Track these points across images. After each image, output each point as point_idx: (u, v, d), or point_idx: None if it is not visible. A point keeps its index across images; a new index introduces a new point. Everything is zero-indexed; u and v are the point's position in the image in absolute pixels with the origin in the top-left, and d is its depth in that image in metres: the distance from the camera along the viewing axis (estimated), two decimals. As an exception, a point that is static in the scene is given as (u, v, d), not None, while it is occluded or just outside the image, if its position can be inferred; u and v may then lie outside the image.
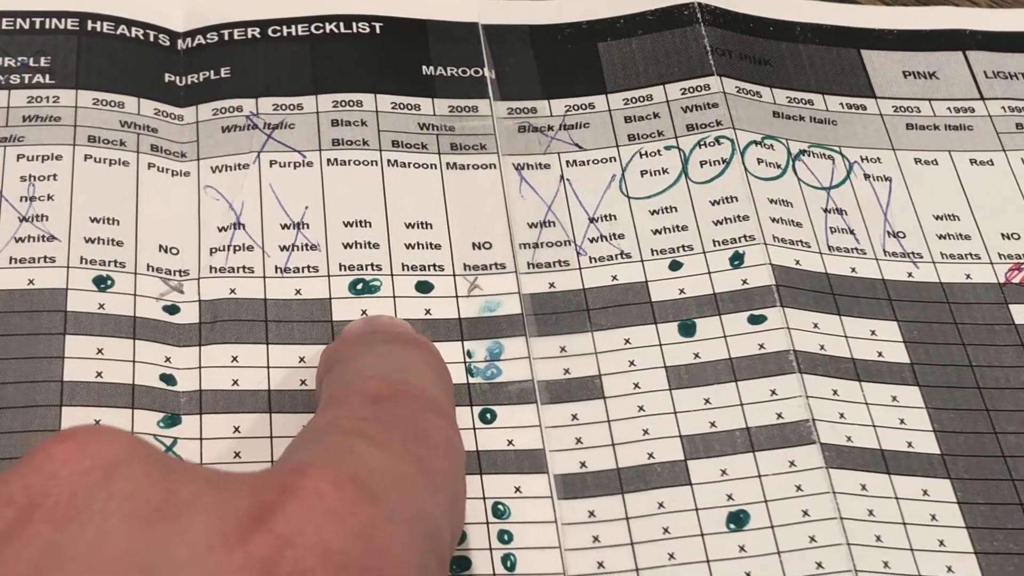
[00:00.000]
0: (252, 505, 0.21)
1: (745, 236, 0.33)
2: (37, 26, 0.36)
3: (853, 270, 0.33)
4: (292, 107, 0.35)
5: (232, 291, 0.31)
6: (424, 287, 0.32)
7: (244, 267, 0.32)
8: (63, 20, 0.36)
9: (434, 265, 0.32)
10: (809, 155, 0.36)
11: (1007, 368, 0.32)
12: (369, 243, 0.32)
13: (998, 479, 0.30)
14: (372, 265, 0.32)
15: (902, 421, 0.31)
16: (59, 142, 0.33)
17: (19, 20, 0.36)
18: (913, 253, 0.34)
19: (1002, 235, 0.35)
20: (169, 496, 0.21)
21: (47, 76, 0.35)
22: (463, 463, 0.27)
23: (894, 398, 0.31)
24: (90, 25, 0.36)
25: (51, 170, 0.33)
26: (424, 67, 0.36)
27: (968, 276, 0.34)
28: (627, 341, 0.31)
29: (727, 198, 0.34)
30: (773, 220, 0.34)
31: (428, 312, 0.31)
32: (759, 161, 0.35)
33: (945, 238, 0.35)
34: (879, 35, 0.39)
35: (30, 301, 0.30)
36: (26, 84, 0.34)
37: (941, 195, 0.36)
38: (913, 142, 0.37)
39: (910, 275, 0.34)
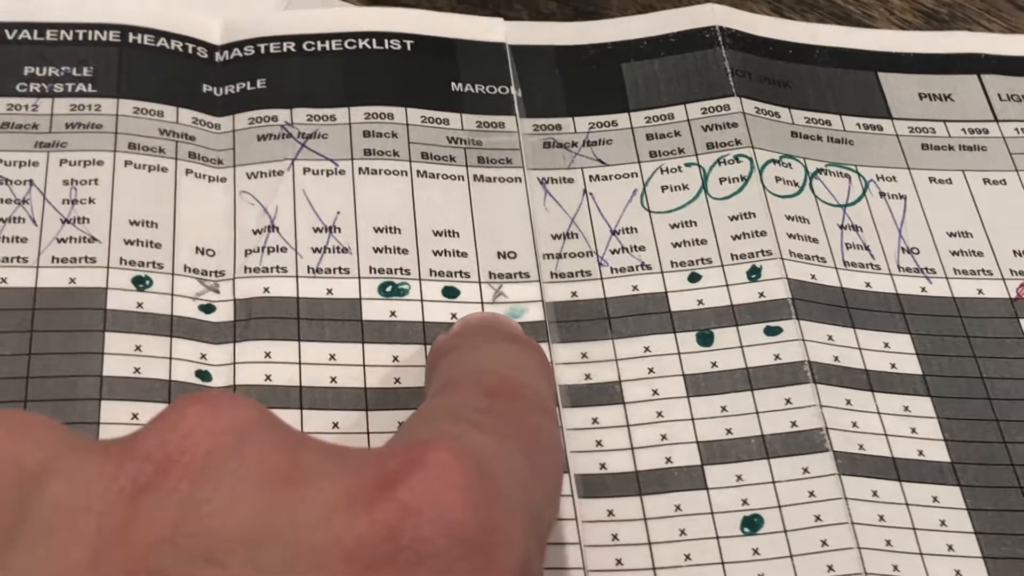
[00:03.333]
0: (377, 474, 0.22)
1: (762, 251, 0.34)
2: (80, 38, 0.37)
3: (867, 284, 0.34)
4: (325, 118, 0.36)
5: (266, 290, 0.33)
6: (451, 292, 0.33)
7: (278, 267, 0.33)
8: (106, 32, 0.37)
9: (460, 272, 0.33)
10: (826, 173, 0.37)
11: (1017, 380, 0.33)
12: (398, 248, 0.34)
13: (1007, 486, 0.31)
14: (401, 269, 0.33)
15: (913, 430, 0.31)
16: (101, 148, 0.35)
17: (63, 32, 0.37)
18: (927, 269, 0.35)
19: (1014, 252, 0.36)
20: (297, 462, 0.22)
21: (90, 85, 0.36)
22: (562, 463, 0.28)
23: (906, 408, 0.32)
24: (131, 38, 0.37)
25: (92, 175, 0.34)
26: (453, 83, 0.37)
27: (980, 291, 0.35)
28: (647, 349, 0.32)
29: (745, 214, 0.35)
30: (790, 236, 0.35)
31: (454, 316, 0.32)
32: (777, 179, 0.36)
33: (958, 254, 0.36)
34: (896, 58, 0.40)
35: (71, 299, 0.32)
36: (69, 93, 0.36)
37: (955, 213, 0.37)
38: (928, 162, 0.38)
39: (923, 290, 0.35)
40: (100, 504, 0.21)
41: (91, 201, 0.34)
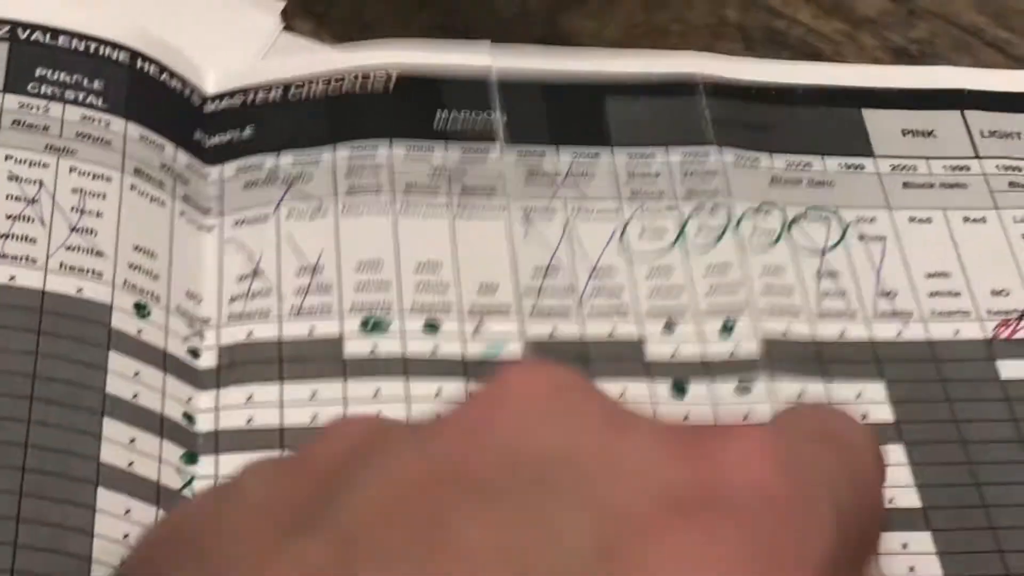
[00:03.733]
0: (694, 438, 0.23)
1: (736, 306, 0.35)
2: (92, 50, 0.38)
3: (842, 334, 0.35)
4: (310, 160, 0.37)
5: (249, 334, 0.34)
6: (432, 327, 0.34)
7: (261, 311, 0.34)
8: (117, 52, 0.38)
9: (442, 305, 0.34)
10: (805, 219, 0.37)
11: (991, 422, 0.34)
12: (380, 283, 0.35)
13: (978, 528, 0.32)
14: (382, 305, 0.34)
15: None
16: (110, 165, 0.36)
17: (75, 41, 0.38)
18: (903, 312, 0.36)
19: (992, 292, 0.36)
20: (619, 416, 0.24)
21: (100, 100, 0.37)
22: (882, 506, 0.27)
23: (877, 457, 0.33)
24: (139, 63, 0.38)
25: (101, 189, 0.35)
26: (437, 114, 0.38)
27: (957, 333, 0.35)
28: (622, 393, 0.33)
29: (721, 266, 0.36)
30: (766, 289, 0.36)
31: (435, 351, 0.34)
32: (754, 229, 0.37)
33: (936, 296, 0.36)
34: (881, 94, 0.41)
35: (79, 308, 0.33)
36: (80, 102, 0.37)
37: (933, 253, 0.37)
38: (909, 201, 0.38)
39: (899, 334, 0.35)
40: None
41: (99, 215, 0.35)
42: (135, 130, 0.37)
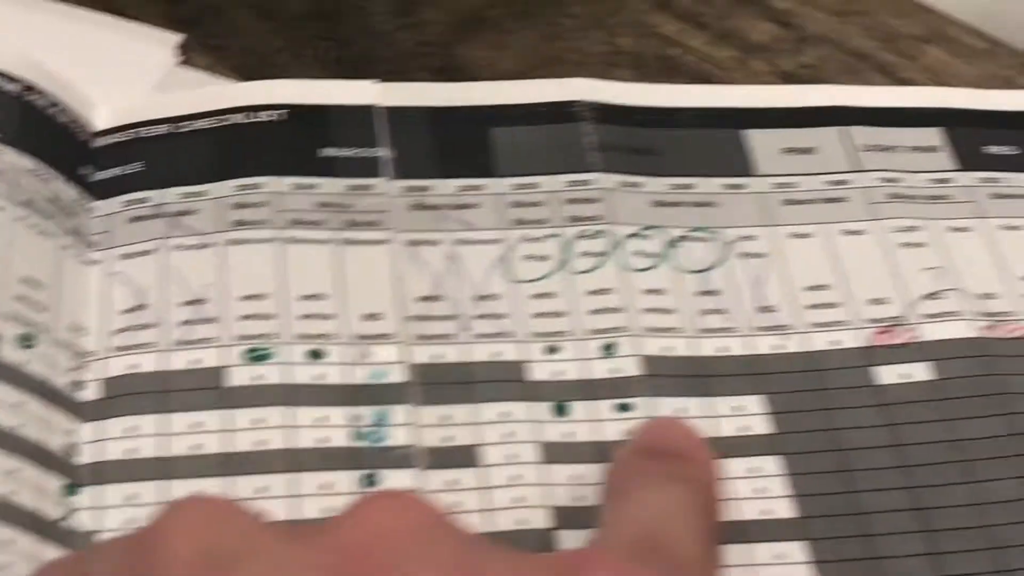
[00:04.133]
0: (547, 570, 0.25)
1: (618, 327, 0.36)
2: None
3: (723, 350, 0.36)
4: (197, 194, 0.38)
5: (133, 366, 0.34)
6: (316, 355, 0.35)
7: (145, 344, 0.35)
8: (8, 83, 0.38)
9: (327, 334, 0.35)
10: (687, 240, 0.38)
11: (866, 428, 0.34)
12: (265, 314, 0.35)
13: (852, 536, 0.32)
14: (267, 335, 0.35)
15: (760, 490, 0.33)
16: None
17: None
18: (783, 326, 0.37)
19: (870, 300, 0.37)
20: (471, 557, 0.25)
21: None
22: None
23: (756, 469, 0.33)
24: (30, 96, 0.39)
25: None
26: (324, 149, 0.39)
27: (836, 343, 0.36)
28: (505, 415, 0.34)
29: (603, 289, 0.37)
30: (646, 310, 0.36)
31: (320, 378, 0.34)
32: (636, 252, 0.38)
33: (815, 308, 0.37)
34: (761, 114, 0.42)
35: None
36: None
37: (813, 267, 0.38)
38: (789, 217, 0.39)
39: (779, 347, 0.36)
40: None
41: None
42: (25, 162, 0.37)
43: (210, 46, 0.44)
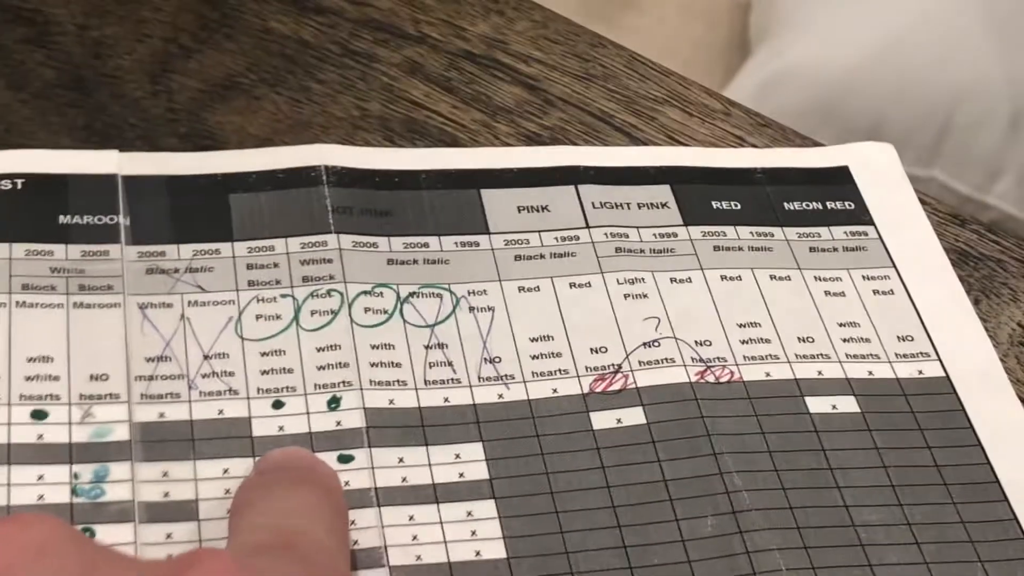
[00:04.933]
0: (162, 574, 0.26)
1: (344, 382, 0.37)
2: None
3: (446, 400, 0.37)
4: None
5: None
6: (39, 415, 0.35)
7: None
8: None
9: (51, 395, 0.36)
10: (418, 296, 0.40)
11: (580, 472, 0.36)
12: None
13: (559, 574, 0.34)
14: None
15: (473, 533, 0.35)
16: None
17: None
18: (506, 376, 0.38)
19: (591, 350, 0.39)
20: (92, 570, 0.26)
21: None
22: None
23: (469, 513, 0.35)
24: None
25: None
26: (61, 216, 0.40)
27: (555, 391, 0.38)
28: (226, 471, 0.35)
29: (331, 346, 0.38)
30: (372, 364, 0.38)
31: (40, 437, 0.35)
32: (366, 310, 0.39)
33: (538, 358, 0.39)
34: (499, 174, 0.44)
35: None
36: None
37: (539, 319, 0.40)
38: (519, 272, 0.41)
39: (501, 396, 0.38)
40: None
41: None
42: None
43: (-43, 114, 0.45)
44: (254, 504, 0.32)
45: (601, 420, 0.38)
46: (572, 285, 0.41)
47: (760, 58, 0.99)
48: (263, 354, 0.38)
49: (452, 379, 0.38)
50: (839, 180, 0.46)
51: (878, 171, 0.46)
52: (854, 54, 0.93)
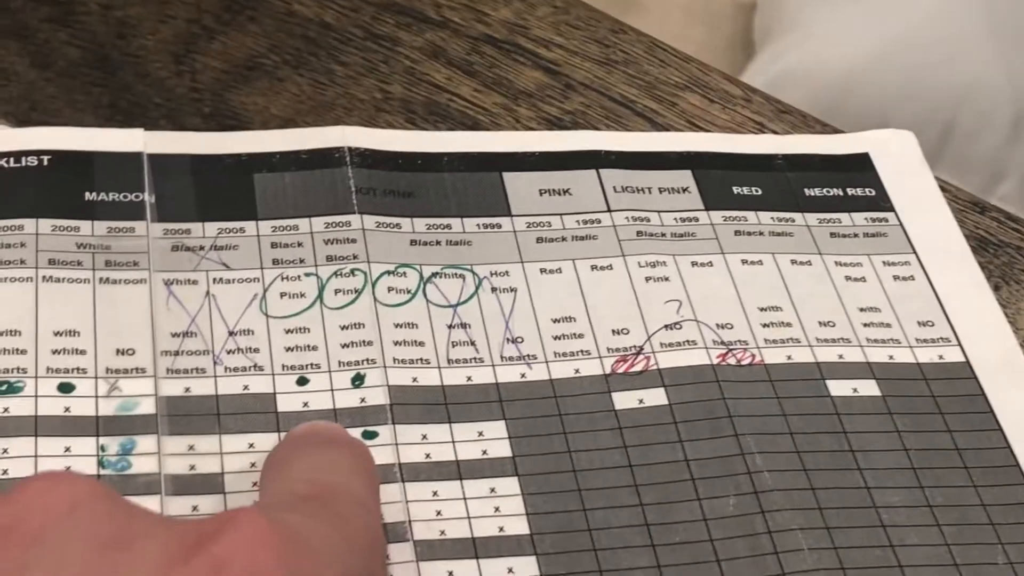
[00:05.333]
0: (196, 535, 0.26)
1: (368, 359, 0.37)
2: None
3: (469, 379, 0.38)
4: None
5: None
6: (66, 387, 0.36)
7: None
8: None
9: (77, 368, 0.36)
10: (441, 276, 0.40)
11: (602, 451, 0.36)
12: (16, 349, 0.36)
13: (581, 550, 0.34)
14: (17, 369, 0.36)
15: (497, 509, 0.35)
16: None
17: None
18: (528, 356, 0.39)
19: (612, 331, 0.39)
20: (125, 529, 0.26)
21: None
22: (382, 548, 0.31)
23: (492, 490, 0.35)
24: None
25: None
26: (87, 193, 0.40)
27: (577, 371, 0.38)
28: (251, 445, 0.35)
29: (355, 324, 0.38)
30: (396, 343, 0.38)
31: (67, 410, 0.35)
32: (389, 289, 0.39)
33: (560, 339, 0.39)
34: (520, 158, 0.44)
35: None
36: None
37: (561, 300, 0.40)
38: (541, 254, 0.41)
39: (523, 376, 0.38)
40: None
41: None
42: None
43: (-17, 93, 0.45)
44: (289, 460, 0.32)
45: (623, 400, 0.38)
46: (594, 267, 0.41)
47: (764, 59, 0.99)
48: (288, 331, 0.38)
49: (475, 358, 0.38)
50: (859, 167, 0.46)
51: (898, 158, 0.46)
52: (857, 56, 0.93)
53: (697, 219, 0.43)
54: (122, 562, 0.25)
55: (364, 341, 0.38)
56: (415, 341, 0.38)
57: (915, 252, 0.43)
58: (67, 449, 0.34)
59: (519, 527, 0.35)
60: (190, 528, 0.26)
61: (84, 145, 0.41)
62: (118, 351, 0.37)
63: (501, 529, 0.34)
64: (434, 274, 0.40)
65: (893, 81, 0.91)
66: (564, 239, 0.42)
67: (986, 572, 0.35)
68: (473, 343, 0.39)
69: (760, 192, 0.44)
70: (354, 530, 0.29)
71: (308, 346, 0.38)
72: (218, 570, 0.25)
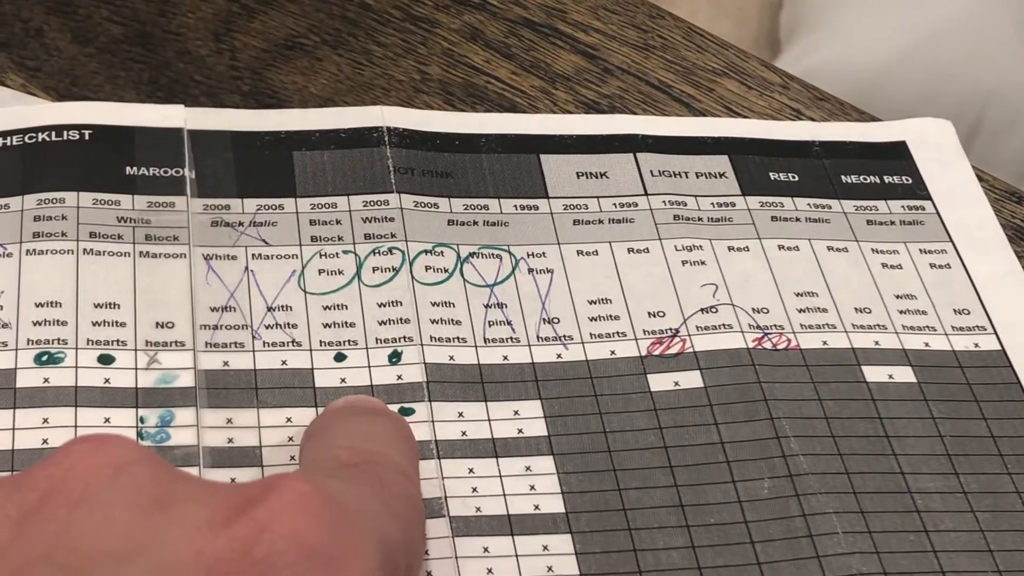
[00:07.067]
0: (238, 499, 0.26)
1: (405, 337, 0.38)
2: None
3: (505, 358, 0.38)
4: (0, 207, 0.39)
5: None
6: (106, 359, 0.36)
7: None
8: None
9: (117, 341, 0.36)
10: (478, 256, 0.40)
11: (637, 431, 0.37)
12: (58, 320, 0.36)
13: (616, 529, 0.34)
14: (59, 340, 0.36)
15: (532, 487, 0.35)
16: None
17: None
18: (565, 336, 0.39)
19: (648, 313, 0.40)
20: (168, 492, 0.26)
21: None
22: (422, 515, 0.32)
23: (527, 468, 0.35)
24: None
25: None
26: (128, 168, 0.40)
27: (612, 352, 0.38)
28: (289, 420, 0.35)
29: (392, 302, 0.38)
30: (433, 321, 0.38)
31: (107, 381, 0.35)
32: (427, 268, 0.40)
33: (596, 320, 0.39)
34: (558, 140, 0.44)
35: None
36: None
37: (597, 282, 0.40)
38: (578, 236, 0.41)
39: (559, 356, 0.38)
40: None
41: None
42: None
43: (26, 67, 0.45)
44: (329, 428, 0.32)
45: (658, 382, 0.38)
46: (630, 250, 0.41)
47: (790, 56, 0.99)
48: (325, 308, 0.38)
49: (511, 338, 0.38)
50: (896, 155, 0.46)
51: (935, 146, 0.46)
52: (883, 54, 0.93)
53: (734, 204, 0.43)
54: (165, 524, 0.25)
55: (401, 319, 0.38)
56: (452, 320, 0.38)
57: (951, 240, 0.43)
58: (107, 420, 0.35)
59: (554, 505, 0.35)
60: (232, 492, 0.27)
61: (125, 120, 0.42)
62: (157, 324, 0.37)
63: (536, 507, 0.35)
64: (471, 254, 0.40)
65: (919, 79, 0.91)
66: (601, 222, 0.42)
67: (1020, 558, 0.35)
68: (509, 323, 0.39)
69: (797, 179, 0.44)
70: (394, 497, 0.30)
71: (346, 323, 0.38)
72: (260, 533, 0.25)
